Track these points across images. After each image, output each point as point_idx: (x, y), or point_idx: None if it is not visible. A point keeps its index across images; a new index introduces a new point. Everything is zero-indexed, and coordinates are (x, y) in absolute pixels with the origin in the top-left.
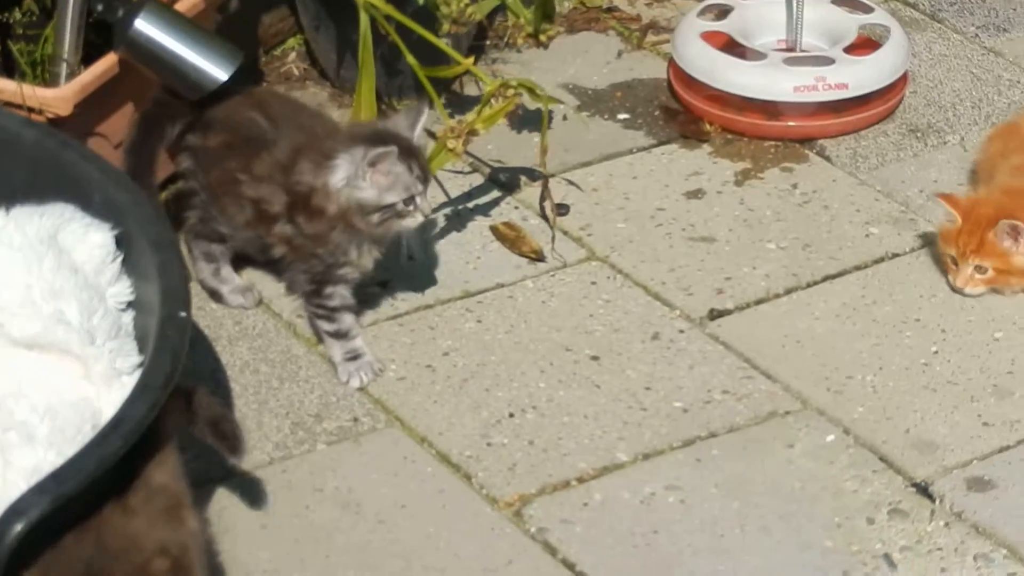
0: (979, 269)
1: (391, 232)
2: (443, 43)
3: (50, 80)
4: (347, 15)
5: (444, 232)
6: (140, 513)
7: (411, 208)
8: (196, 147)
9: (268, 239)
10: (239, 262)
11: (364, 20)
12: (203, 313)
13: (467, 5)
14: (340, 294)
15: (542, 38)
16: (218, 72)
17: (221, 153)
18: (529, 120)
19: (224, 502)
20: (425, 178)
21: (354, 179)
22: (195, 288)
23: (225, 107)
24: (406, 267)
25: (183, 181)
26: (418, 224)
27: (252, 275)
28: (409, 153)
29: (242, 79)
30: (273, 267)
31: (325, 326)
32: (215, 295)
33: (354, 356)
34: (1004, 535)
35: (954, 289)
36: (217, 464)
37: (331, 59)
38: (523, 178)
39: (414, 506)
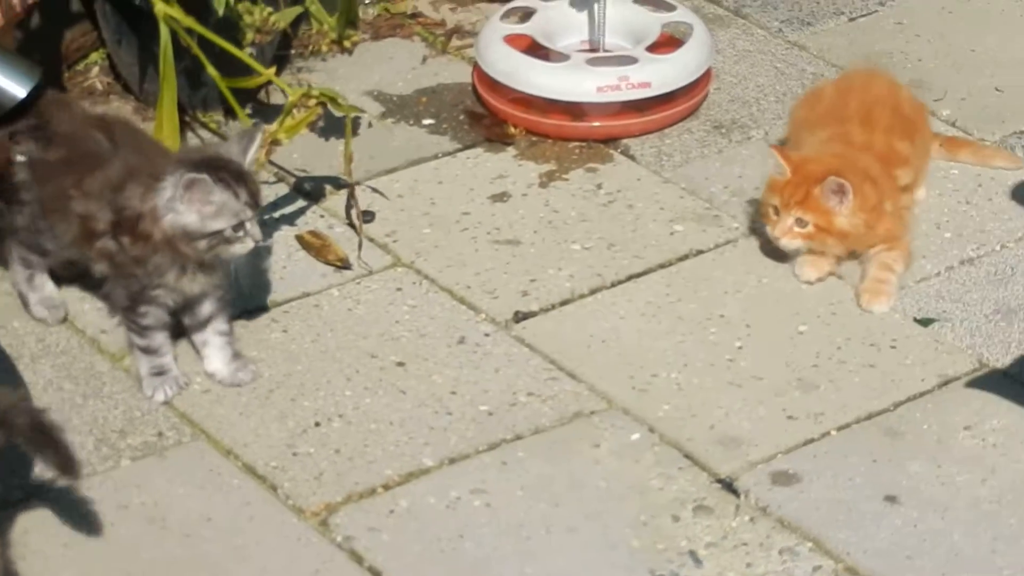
0: (800, 223)
1: (222, 258)
2: (245, 54)
3: None
4: (148, 28)
5: None
6: None
7: (240, 234)
8: (35, 160)
9: (90, 254)
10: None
11: (164, 33)
12: (4, 331)
13: (270, 14)
14: (154, 313)
15: (346, 44)
16: (16, 89)
17: (58, 168)
18: (333, 128)
19: (26, 524)
20: (255, 204)
21: (173, 202)
22: None
23: (70, 124)
24: None
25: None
26: (248, 250)
27: (61, 292)
28: (238, 179)
29: (41, 95)
30: (83, 283)
31: (136, 340)
32: (23, 300)
33: (159, 372)
34: (809, 528)
35: (772, 239)
36: (17, 487)
37: (134, 72)
38: (328, 187)
39: (220, 519)
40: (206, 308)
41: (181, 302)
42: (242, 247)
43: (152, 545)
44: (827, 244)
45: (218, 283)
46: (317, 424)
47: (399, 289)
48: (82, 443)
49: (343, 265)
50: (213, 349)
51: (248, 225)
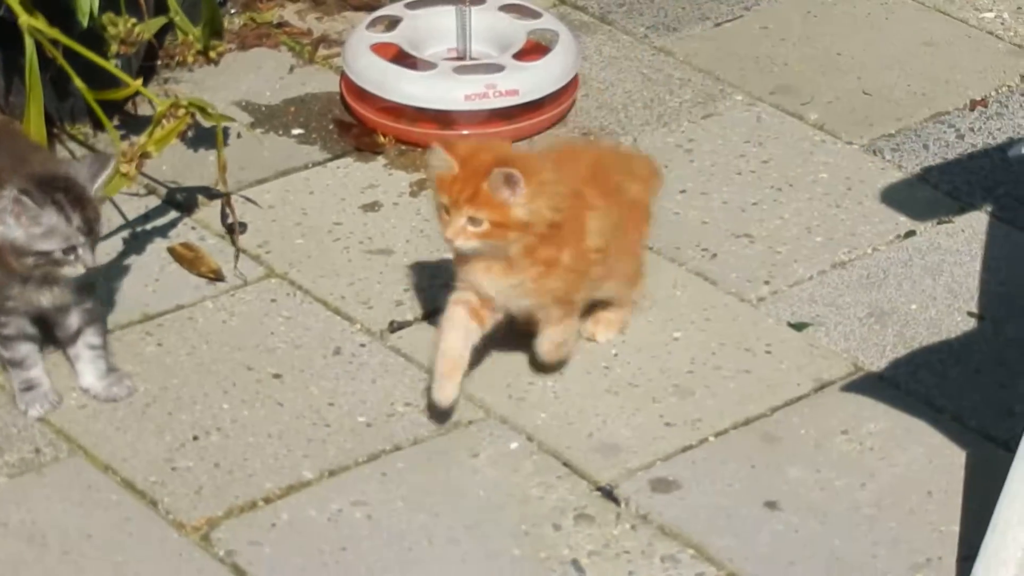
0: (473, 221)
1: (55, 276)
2: (111, 64)
3: None
4: (12, 39)
5: (121, 256)
6: None
7: (71, 258)
8: None
9: None
10: None
11: (29, 44)
12: None
13: (134, 25)
14: (15, 323)
15: (212, 55)
16: None
17: None
18: (203, 139)
19: None
20: (89, 230)
21: (2, 214)
22: None
23: None
24: None
25: None
26: (78, 274)
27: None
28: (75, 203)
29: None
30: None
31: (2, 352)
32: None
33: (29, 387)
34: (690, 535)
35: (446, 241)
36: None
37: None
38: (200, 197)
39: (101, 535)
40: (73, 321)
41: (41, 314)
42: (72, 270)
43: (32, 563)
44: (508, 239)
45: (81, 297)
46: (195, 438)
47: (273, 300)
48: None
49: (216, 277)
50: (85, 363)
51: (80, 250)
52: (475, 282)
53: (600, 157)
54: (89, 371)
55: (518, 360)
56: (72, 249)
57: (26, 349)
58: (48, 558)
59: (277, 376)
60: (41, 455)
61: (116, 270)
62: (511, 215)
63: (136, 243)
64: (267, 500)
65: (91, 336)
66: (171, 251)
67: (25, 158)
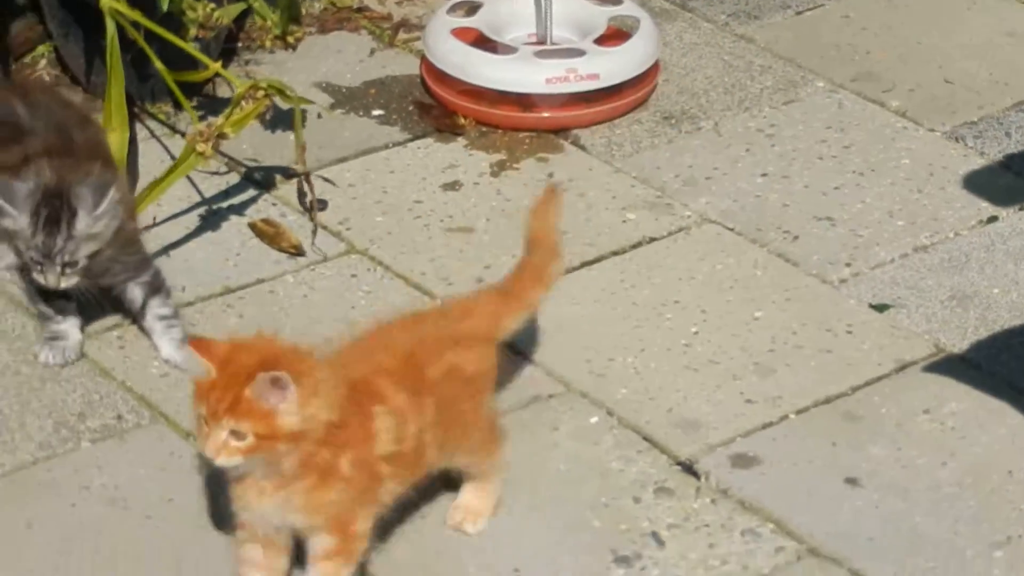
0: (236, 435)
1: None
2: (190, 47)
3: None
4: (94, 21)
5: (201, 231)
6: None
7: (37, 268)
8: None
9: None
10: None
11: (111, 26)
12: None
13: (213, 10)
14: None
15: (290, 40)
16: None
17: None
18: (282, 120)
19: None
20: (46, 255)
21: None
22: None
23: None
24: (164, 265)
25: None
26: (46, 286)
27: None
28: (50, 224)
29: None
30: None
31: (36, 305)
32: None
33: (54, 336)
34: (770, 510)
35: (204, 456)
36: None
37: (81, 65)
38: (279, 176)
39: (181, 500)
40: (136, 294)
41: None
42: (39, 279)
43: (115, 526)
44: (278, 451)
45: (137, 272)
46: None
47: (354, 276)
48: (41, 426)
49: (297, 252)
50: (159, 335)
51: (43, 266)
52: (246, 504)
53: (421, 339)
54: (165, 342)
55: (598, 337)
56: (36, 261)
57: (59, 305)
58: (130, 521)
59: None
60: (123, 421)
61: (197, 244)
62: (279, 424)
63: (217, 219)
64: None
65: (157, 307)
66: (252, 227)
67: (67, 134)
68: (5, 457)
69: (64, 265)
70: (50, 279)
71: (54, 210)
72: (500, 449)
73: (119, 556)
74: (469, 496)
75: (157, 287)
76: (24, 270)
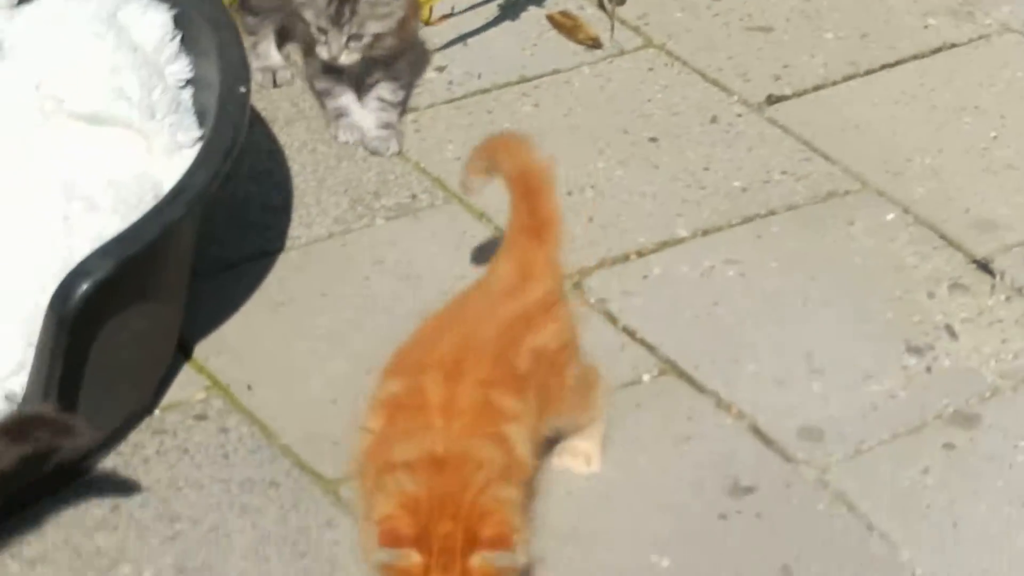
0: None
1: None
2: None
3: None
4: None
5: (498, 20)
6: None
7: (322, 39)
8: None
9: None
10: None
11: None
12: (259, 96)
13: None
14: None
15: None
16: None
17: None
18: None
19: (283, 272)
20: (336, 19)
21: None
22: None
23: None
24: (461, 53)
25: None
26: (326, 58)
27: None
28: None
29: None
30: None
31: (315, 84)
32: None
33: (339, 114)
34: None
35: None
36: (273, 238)
37: None
38: None
39: (475, 278)
40: (375, 76)
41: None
42: (321, 51)
43: (407, 298)
44: None
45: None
46: (569, 193)
47: (651, 69)
48: (337, 202)
49: (594, 44)
50: (368, 112)
51: (328, 36)
52: None
53: (499, 331)
54: (369, 119)
55: (895, 137)
56: (322, 31)
57: (335, 79)
58: (422, 295)
59: (653, 140)
60: (417, 201)
61: (495, 33)
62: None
63: (515, 9)
64: (640, 254)
65: (383, 91)
66: (550, 18)
67: None
68: (301, 230)
69: (350, 38)
70: (334, 49)
71: None
72: (595, 402)
73: (411, 327)
74: (576, 440)
75: (396, 76)
76: (308, 52)
